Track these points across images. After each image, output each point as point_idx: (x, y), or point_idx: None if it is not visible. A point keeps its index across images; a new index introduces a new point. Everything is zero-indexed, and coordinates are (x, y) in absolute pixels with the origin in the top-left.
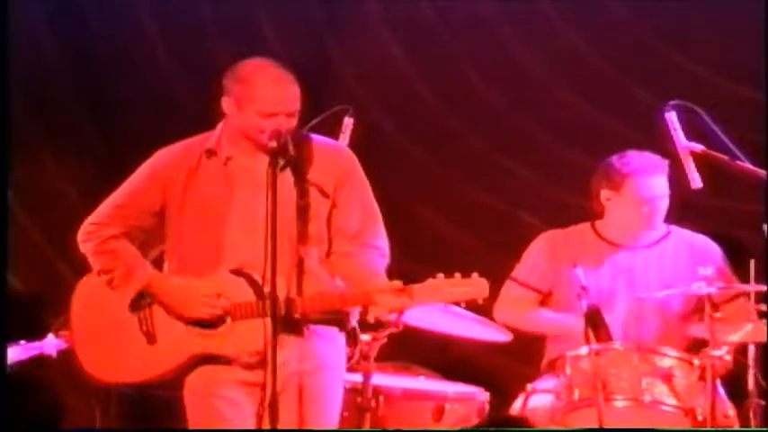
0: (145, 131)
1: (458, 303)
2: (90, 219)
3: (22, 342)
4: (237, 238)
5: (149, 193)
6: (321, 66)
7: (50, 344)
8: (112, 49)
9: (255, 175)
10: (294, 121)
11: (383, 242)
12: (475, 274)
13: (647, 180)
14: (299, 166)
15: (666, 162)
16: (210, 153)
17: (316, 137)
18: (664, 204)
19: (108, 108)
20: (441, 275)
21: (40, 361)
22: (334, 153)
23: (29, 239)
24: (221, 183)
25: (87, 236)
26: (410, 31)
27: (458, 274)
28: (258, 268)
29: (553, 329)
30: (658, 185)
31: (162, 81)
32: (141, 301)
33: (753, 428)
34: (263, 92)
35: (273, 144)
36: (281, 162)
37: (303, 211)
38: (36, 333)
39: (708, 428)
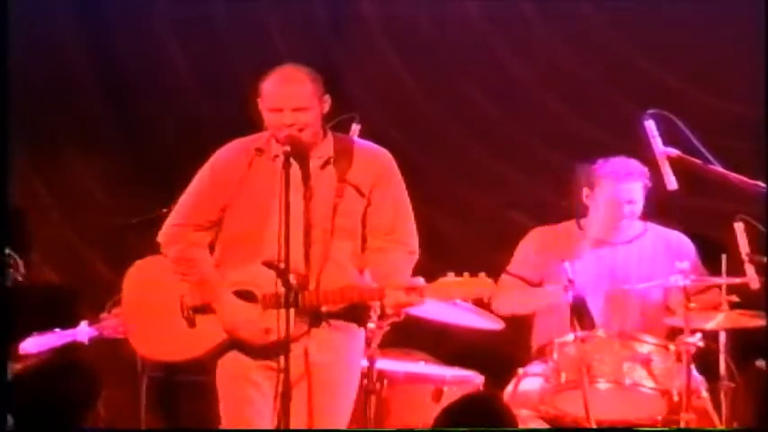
0: (165, 137)
1: (465, 300)
2: (170, 221)
3: (57, 330)
4: (279, 231)
5: (215, 190)
6: (328, 76)
7: (82, 332)
8: (139, 62)
9: (296, 173)
10: (305, 117)
11: (413, 240)
12: (482, 274)
13: (620, 184)
14: (338, 167)
15: (644, 170)
16: (260, 151)
17: (357, 140)
18: (636, 207)
19: (132, 117)
20: (451, 274)
21: (73, 347)
22: (373, 156)
23: (61, 235)
24: (269, 179)
25: (172, 239)
26: (411, 46)
27: (466, 274)
28: (294, 260)
29: (540, 300)
30: (629, 190)
31: (183, 92)
32: (199, 310)
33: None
34: (269, 89)
35: (287, 148)
36: (321, 161)
37: (338, 208)
38: (68, 322)
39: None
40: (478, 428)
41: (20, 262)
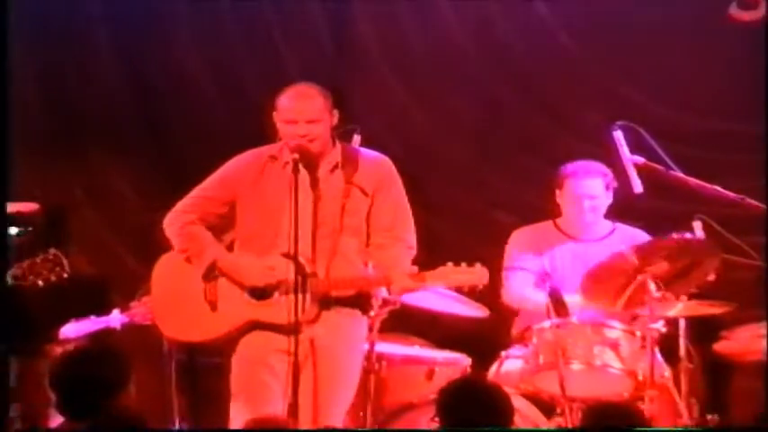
0: (189, 143)
1: (461, 287)
2: (175, 208)
3: (92, 317)
4: (289, 228)
5: (223, 188)
6: (333, 92)
7: (115, 318)
8: (167, 78)
9: (306, 177)
10: (316, 128)
11: (411, 236)
12: (478, 264)
13: (580, 181)
14: (345, 171)
15: (603, 169)
16: (273, 158)
17: (362, 149)
18: (597, 202)
19: (158, 124)
20: (450, 264)
21: (106, 333)
22: (376, 162)
23: (95, 231)
24: (281, 183)
25: (171, 221)
26: (405, 65)
27: (464, 264)
28: (304, 253)
29: (528, 304)
30: (589, 186)
31: (205, 104)
32: (210, 274)
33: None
34: (284, 103)
35: (296, 156)
36: (330, 166)
37: (346, 208)
38: (101, 309)
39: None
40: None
41: (65, 261)
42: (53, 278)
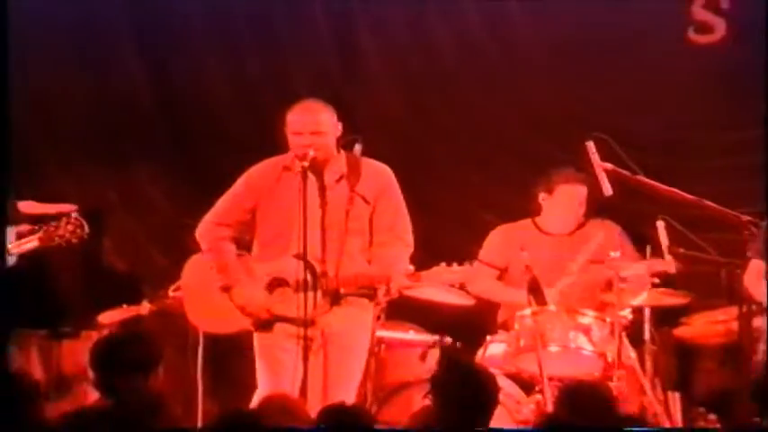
0: (214, 153)
1: (453, 285)
2: (207, 217)
3: (124, 306)
4: (300, 233)
5: (246, 198)
6: (337, 106)
7: (144, 308)
8: (193, 95)
9: (315, 184)
10: (322, 139)
11: (409, 236)
12: (467, 263)
13: (571, 187)
14: (349, 180)
15: (584, 177)
16: (287, 168)
17: (365, 159)
18: (582, 206)
19: (186, 135)
20: (443, 264)
21: (137, 320)
22: (377, 171)
23: (128, 232)
24: (294, 191)
25: (205, 233)
26: (403, 83)
27: (455, 264)
28: (314, 254)
29: (504, 299)
30: (577, 193)
31: (226, 119)
32: (225, 290)
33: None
34: (293, 117)
35: (305, 164)
36: (336, 176)
37: (350, 213)
38: (133, 299)
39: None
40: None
41: (85, 224)
42: (74, 240)
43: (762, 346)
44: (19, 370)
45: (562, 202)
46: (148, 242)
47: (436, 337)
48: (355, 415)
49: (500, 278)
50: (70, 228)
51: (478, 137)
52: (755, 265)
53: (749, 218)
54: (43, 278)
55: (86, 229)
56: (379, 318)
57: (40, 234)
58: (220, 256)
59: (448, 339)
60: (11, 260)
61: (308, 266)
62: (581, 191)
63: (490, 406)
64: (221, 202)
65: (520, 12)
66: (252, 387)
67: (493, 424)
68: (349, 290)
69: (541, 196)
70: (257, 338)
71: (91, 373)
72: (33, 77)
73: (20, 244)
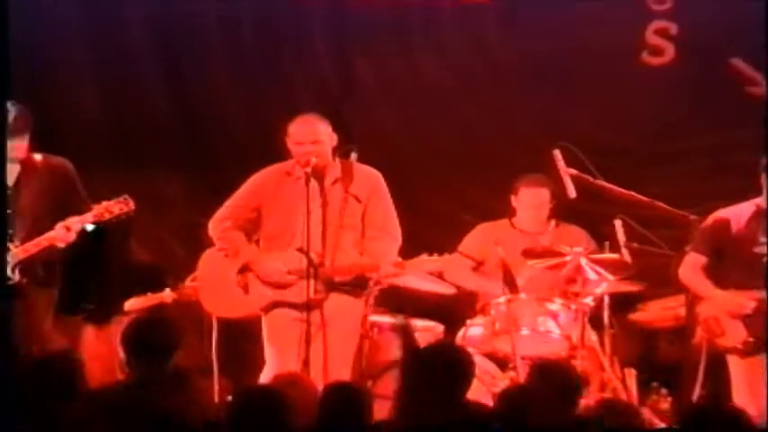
0: (227, 159)
1: (432, 273)
2: (217, 214)
3: (149, 294)
4: (303, 229)
5: (250, 199)
6: (338, 120)
7: (167, 296)
8: (208, 107)
9: (316, 187)
10: (320, 148)
11: (397, 232)
12: (446, 254)
13: (532, 190)
14: (344, 183)
15: (549, 181)
16: (288, 174)
17: (357, 164)
18: (546, 206)
19: (201, 144)
20: (425, 255)
21: (160, 306)
22: (367, 175)
23: (152, 229)
24: (295, 193)
25: (214, 227)
26: (395, 99)
27: (435, 254)
28: (315, 247)
29: (474, 287)
30: (538, 194)
31: (237, 128)
32: (244, 269)
33: None
34: (294, 129)
35: (308, 170)
36: (332, 179)
37: (344, 212)
38: (157, 288)
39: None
40: None
41: (132, 203)
42: (123, 216)
43: (700, 330)
44: (62, 350)
45: (525, 202)
46: (169, 237)
47: (423, 322)
48: (356, 390)
49: (476, 269)
50: (120, 206)
51: (460, 146)
52: (691, 257)
53: (696, 217)
54: (83, 267)
55: (132, 206)
56: (371, 305)
57: (94, 212)
58: (232, 242)
59: (438, 326)
60: (71, 236)
61: (310, 259)
62: (543, 193)
63: (467, 378)
64: (229, 202)
65: (499, 37)
66: (260, 365)
67: (471, 395)
68: (344, 278)
69: (512, 198)
70: (265, 322)
71: (121, 353)
72: (61, 91)
73: (78, 221)
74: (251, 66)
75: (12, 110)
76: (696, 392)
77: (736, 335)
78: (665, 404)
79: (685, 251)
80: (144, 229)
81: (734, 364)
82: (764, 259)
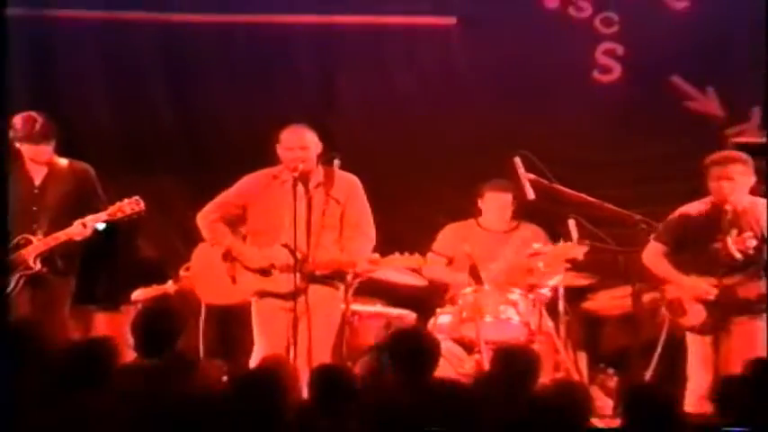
0: (219, 164)
1: (405, 268)
2: (204, 209)
3: (153, 285)
4: (287, 227)
5: (238, 197)
6: (322, 130)
7: (170, 286)
8: (206, 119)
9: (301, 190)
10: (307, 154)
11: (372, 232)
12: (417, 254)
13: (496, 193)
14: (325, 187)
15: (511, 185)
16: (275, 177)
17: (338, 171)
18: (508, 208)
19: (200, 152)
20: (397, 253)
21: (164, 296)
22: (346, 181)
23: (157, 227)
24: (281, 195)
25: (201, 219)
26: (370, 111)
27: (406, 253)
28: (301, 243)
29: (449, 280)
30: (501, 197)
31: (231, 137)
32: (227, 256)
33: None
34: (284, 135)
35: (296, 174)
36: (315, 183)
37: (325, 213)
38: (160, 279)
39: None
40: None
41: (143, 204)
42: (134, 216)
43: (662, 311)
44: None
45: (490, 204)
46: (172, 234)
47: (398, 311)
48: (341, 371)
49: (449, 264)
50: (132, 206)
51: (432, 154)
52: (653, 246)
53: (640, 216)
54: (96, 261)
55: (143, 206)
56: (351, 295)
57: (109, 211)
58: (216, 233)
59: (411, 314)
60: (87, 232)
61: (295, 255)
62: (506, 196)
63: (434, 359)
64: (218, 199)
65: (466, 58)
66: (250, 348)
67: (438, 373)
68: (324, 272)
69: (479, 201)
70: (254, 309)
71: (131, 339)
72: (80, 105)
73: (94, 219)
74: (245, 82)
75: (38, 119)
76: (650, 371)
77: (697, 316)
78: (612, 383)
79: (632, 248)
80: (149, 227)
81: (691, 340)
82: (721, 252)
